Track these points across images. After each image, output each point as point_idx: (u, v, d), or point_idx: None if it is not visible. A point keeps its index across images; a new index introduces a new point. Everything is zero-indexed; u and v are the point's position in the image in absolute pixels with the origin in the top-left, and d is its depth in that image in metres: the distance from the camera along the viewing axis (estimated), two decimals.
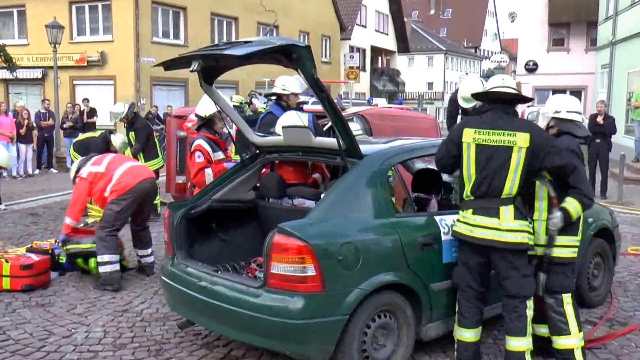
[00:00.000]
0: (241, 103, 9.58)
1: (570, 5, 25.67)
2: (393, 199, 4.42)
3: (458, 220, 3.88)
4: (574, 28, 26.68)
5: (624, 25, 19.22)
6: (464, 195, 3.84)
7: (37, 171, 15.24)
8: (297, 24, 28.66)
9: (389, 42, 41.17)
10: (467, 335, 3.86)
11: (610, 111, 18.02)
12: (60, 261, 6.01)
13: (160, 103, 20.40)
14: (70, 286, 5.74)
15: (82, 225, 8.28)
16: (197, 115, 5.79)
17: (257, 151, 4.81)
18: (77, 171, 5.92)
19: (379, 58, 41.46)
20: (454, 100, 6.95)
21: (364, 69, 35.58)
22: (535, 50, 26.91)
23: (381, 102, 24.54)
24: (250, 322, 3.60)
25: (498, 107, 3.81)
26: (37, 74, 21.65)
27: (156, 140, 9.15)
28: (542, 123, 4.16)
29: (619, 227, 5.59)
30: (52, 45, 17.12)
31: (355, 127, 6.60)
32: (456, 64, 61.46)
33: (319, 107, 5.60)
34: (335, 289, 3.52)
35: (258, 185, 4.82)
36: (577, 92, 25.90)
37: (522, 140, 3.64)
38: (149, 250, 6.15)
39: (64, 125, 15.94)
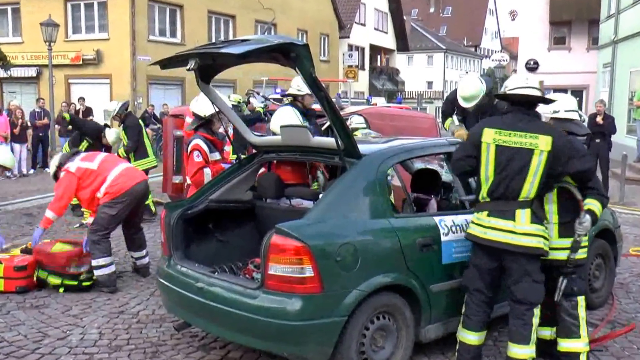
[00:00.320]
0: (239, 102, 9.52)
1: (571, 3, 25.60)
2: (392, 199, 4.38)
3: (472, 222, 3.83)
4: (575, 26, 26.61)
5: (626, 24, 19.14)
6: (480, 197, 3.78)
7: (31, 171, 15.15)
8: (295, 22, 28.62)
9: (388, 40, 41.12)
10: (471, 337, 3.82)
11: (612, 111, 18.01)
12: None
13: (157, 102, 20.34)
14: None
15: (77, 226, 8.28)
16: (193, 114, 5.71)
17: (255, 151, 4.77)
18: (60, 166, 5.73)
19: (378, 57, 41.42)
20: (450, 100, 6.90)
21: (362, 68, 35.53)
22: (536, 49, 26.79)
23: (380, 102, 24.45)
24: (247, 324, 3.57)
25: (520, 108, 3.74)
26: (32, 72, 21.57)
27: (146, 139, 9.01)
28: None
29: (620, 227, 5.55)
30: (47, 43, 17.00)
31: (359, 120, 6.59)
32: (456, 62, 61.42)
33: (317, 107, 5.56)
34: (333, 290, 3.48)
35: (255, 185, 4.77)
36: (578, 92, 25.87)
37: (543, 143, 3.58)
38: (144, 252, 6.10)
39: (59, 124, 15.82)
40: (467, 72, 53.06)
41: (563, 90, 24.20)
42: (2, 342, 4.39)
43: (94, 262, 5.52)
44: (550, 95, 4.31)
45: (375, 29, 39.26)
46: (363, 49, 37.24)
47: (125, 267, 6.28)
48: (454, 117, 6.85)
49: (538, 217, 3.68)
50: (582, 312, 3.86)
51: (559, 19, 26.56)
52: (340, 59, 31.65)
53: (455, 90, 6.67)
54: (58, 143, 16.55)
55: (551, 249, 3.76)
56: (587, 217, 3.72)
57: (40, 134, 15.56)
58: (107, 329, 4.66)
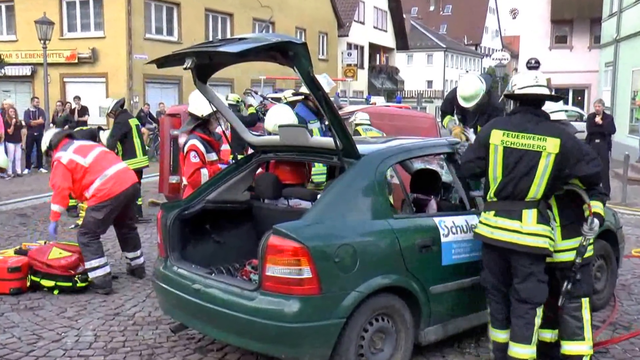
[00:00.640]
0: (237, 102, 9.47)
1: (573, 1, 25.61)
2: (391, 200, 4.33)
3: (480, 222, 3.83)
4: (577, 25, 26.60)
5: (628, 22, 19.07)
6: (488, 197, 3.79)
7: (26, 171, 15.01)
8: (293, 20, 28.58)
9: (387, 39, 41.09)
10: (501, 336, 3.83)
11: (614, 110, 17.97)
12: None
13: (153, 101, 20.24)
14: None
15: (72, 226, 8.21)
16: (190, 115, 5.64)
17: (253, 151, 4.72)
18: (51, 146, 5.69)
19: (378, 55, 41.39)
20: (449, 99, 6.86)
21: (362, 67, 35.49)
22: (537, 47, 26.75)
23: (379, 101, 24.45)
24: (244, 326, 3.54)
25: (529, 108, 3.71)
26: (26, 71, 21.42)
27: (136, 139, 8.80)
28: None
29: (622, 228, 5.53)
30: (42, 41, 16.75)
31: (363, 116, 6.54)
32: (456, 61, 61.35)
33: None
34: (331, 292, 3.45)
35: (253, 185, 4.73)
36: (580, 91, 25.86)
37: (551, 145, 3.56)
38: (138, 252, 6.04)
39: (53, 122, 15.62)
40: (467, 71, 53.01)
41: (565, 90, 24.19)
42: None
43: (87, 265, 5.46)
44: None
45: (374, 27, 39.24)
46: (362, 48, 37.22)
47: (121, 269, 6.21)
48: (454, 115, 6.82)
49: (545, 218, 3.66)
50: (586, 314, 3.83)
51: (561, 18, 26.56)
52: (339, 57, 31.64)
53: (455, 89, 6.64)
54: None
55: (555, 251, 3.74)
56: (596, 221, 3.71)
57: (35, 134, 15.11)
58: (103, 331, 4.61)
